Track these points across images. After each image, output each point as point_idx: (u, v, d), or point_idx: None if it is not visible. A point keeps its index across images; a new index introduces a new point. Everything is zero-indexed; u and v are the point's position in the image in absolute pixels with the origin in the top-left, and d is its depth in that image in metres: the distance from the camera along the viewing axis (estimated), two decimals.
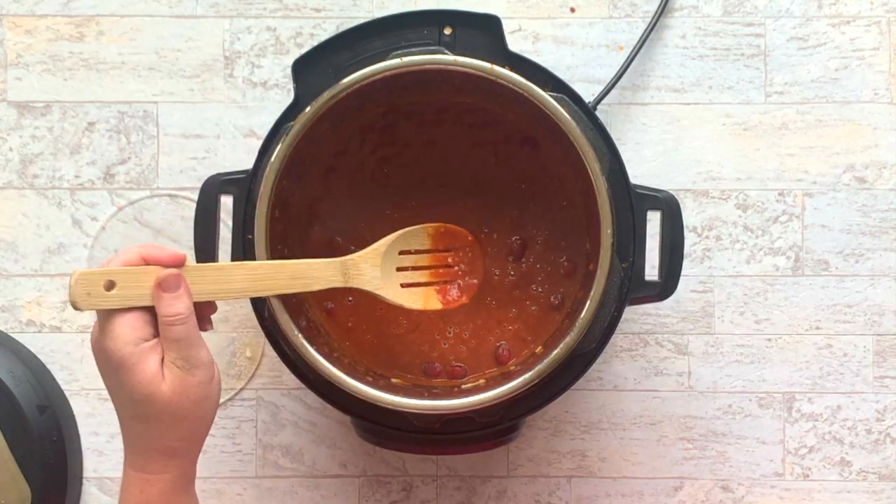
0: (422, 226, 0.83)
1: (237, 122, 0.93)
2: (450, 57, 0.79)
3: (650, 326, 0.93)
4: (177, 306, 0.70)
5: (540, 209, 0.87)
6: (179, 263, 0.71)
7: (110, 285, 0.69)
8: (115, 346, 0.69)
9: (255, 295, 0.75)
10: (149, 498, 0.71)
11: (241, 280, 0.74)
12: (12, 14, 0.93)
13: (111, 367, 0.70)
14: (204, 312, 0.74)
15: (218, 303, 0.75)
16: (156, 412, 0.70)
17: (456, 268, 0.84)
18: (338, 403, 0.81)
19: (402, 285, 0.81)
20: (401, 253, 0.81)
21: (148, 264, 0.71)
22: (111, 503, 0.93)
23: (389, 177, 0.87)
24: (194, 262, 0.81)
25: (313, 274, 0.77)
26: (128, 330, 0.69)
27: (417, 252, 0.82)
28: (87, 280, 0.69)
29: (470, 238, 0.84)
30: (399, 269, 0.81)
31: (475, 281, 0.84)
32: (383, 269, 0.80)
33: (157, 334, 0.71)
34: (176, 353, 0.70)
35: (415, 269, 0.82)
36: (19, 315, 0.93)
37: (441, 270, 0.83)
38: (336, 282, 0.78)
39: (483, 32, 0.81)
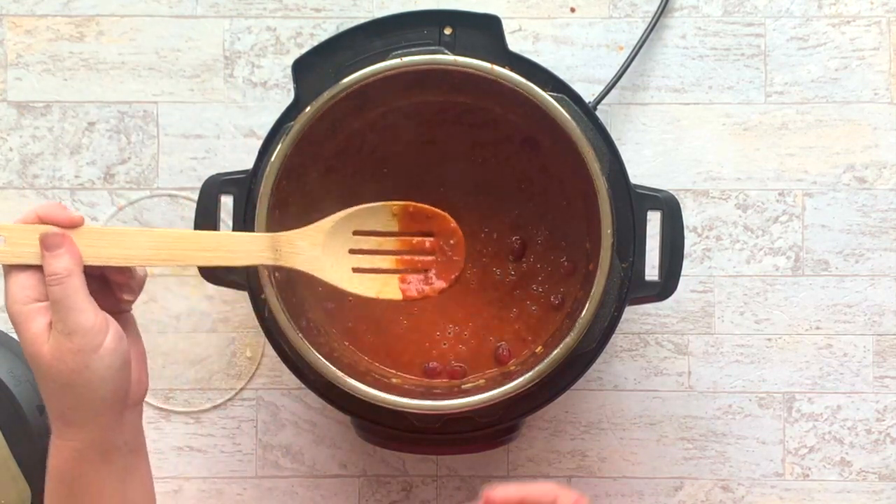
0: (383, 203, 0.74)
1: (237, 122, 0.93)
2: (450, 57, 0.79)
3: (650, 326, 0.93)
4: (55, 265, 0.68)
5: (540, 209, 0.87)
6: (75, 224, 0.70)
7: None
8: (7, 303, 0.69)
9: (161, 264, 0.70)
10: (58, 464, 0.70)
11: (144, 247, 0.69)
12: (12, 14, 0.93)
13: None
14: (116, 279, 0.71)
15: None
16: (41, 375, 0.68)
17: (434, 256, 0.74)
18: (338, 403, 0.81)
19: (356, 270, 0.73)
20: (358, 233, 0.73)
21: (45, 223, 0.69)
22: None
23: (389, 177, 0.87)
24: None
25: (235, 248, 0.71)
26: (17, 289, 0.68)
27: (379, 234, 0.74)
28: None
29: (452, 224, 0.75)
30: (355, 252, 0.73)
31: (454, 274, 0.74)
32: (327, 249, 0.72)
33: None
34: (55, 316, 0.68)
35: (376, 253, 0.73)
36: None
37: (407, 258, 0.74)
38: (264, 258, 0.71)
39: (483, 32, 0.81)
